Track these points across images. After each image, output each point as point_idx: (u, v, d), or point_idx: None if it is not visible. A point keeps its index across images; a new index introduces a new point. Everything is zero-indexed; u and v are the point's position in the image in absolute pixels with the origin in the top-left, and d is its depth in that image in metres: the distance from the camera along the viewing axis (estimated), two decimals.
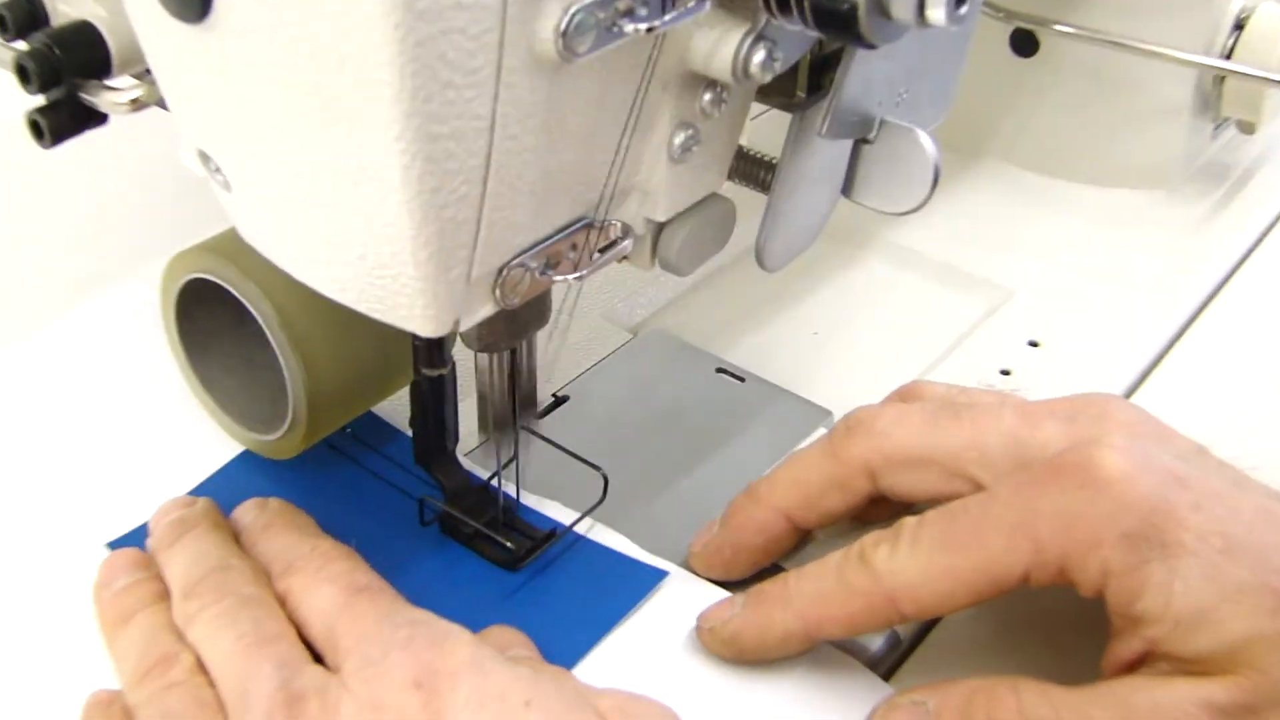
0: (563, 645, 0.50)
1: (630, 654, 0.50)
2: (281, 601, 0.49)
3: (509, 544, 0.53)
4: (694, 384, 0.64)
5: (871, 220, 0.74)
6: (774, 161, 0.52)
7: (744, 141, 0.52)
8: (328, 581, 0.49)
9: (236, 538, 0.53)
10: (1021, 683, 0.45)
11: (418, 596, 0.49)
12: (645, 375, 0.65)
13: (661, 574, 0.53)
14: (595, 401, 0.61)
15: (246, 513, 0.54)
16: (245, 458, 0.58)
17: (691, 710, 0.46)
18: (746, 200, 0.53)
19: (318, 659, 0.48)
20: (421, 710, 0.44)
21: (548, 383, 0.64)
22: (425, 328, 0.43)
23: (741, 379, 0.64)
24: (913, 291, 0.72)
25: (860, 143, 0.51)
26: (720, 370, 0.65)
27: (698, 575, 0.53)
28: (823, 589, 0.48)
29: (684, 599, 0.52)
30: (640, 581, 0.53)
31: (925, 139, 0.50)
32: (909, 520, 0.47)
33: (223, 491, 0.55)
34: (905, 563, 0.46)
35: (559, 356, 0.65)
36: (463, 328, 0.45)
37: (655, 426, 0.62)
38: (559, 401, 0.63)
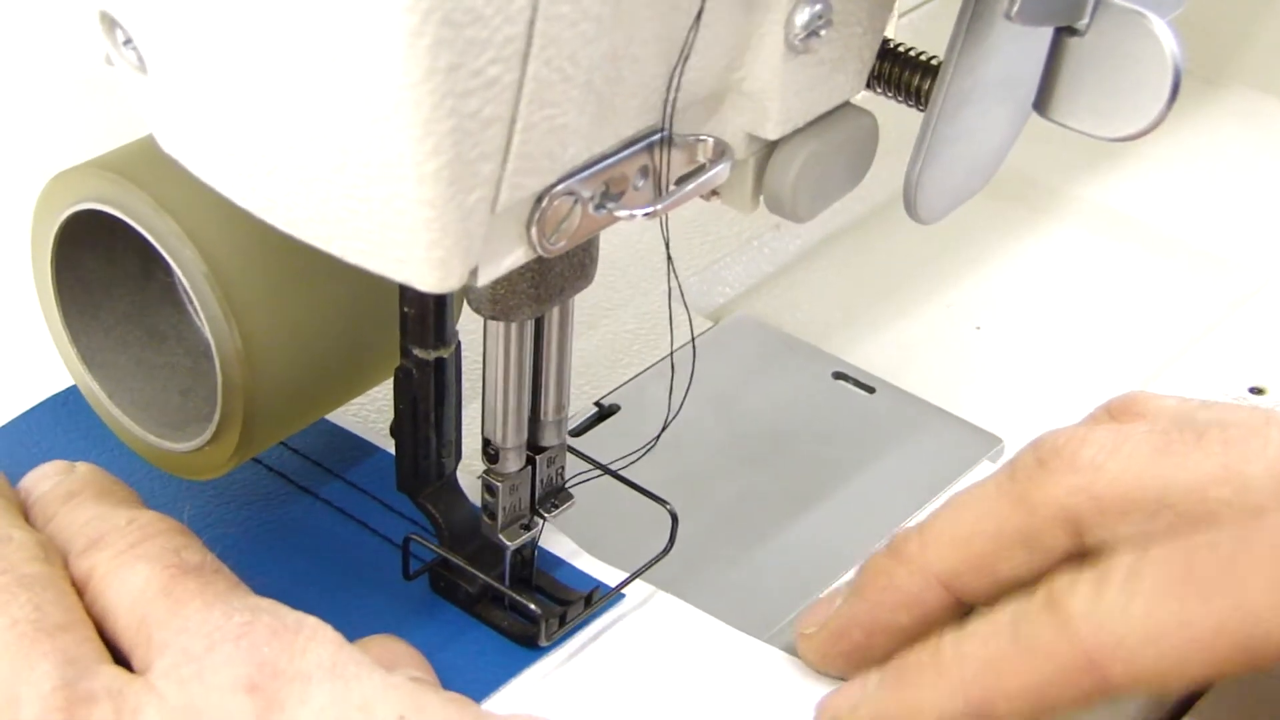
0: None
1: None
2: (81, 586, 0.51)
3: (531, 607, 0.53)
4: (801, 394, 0.64)
5: (1059, 168, 0.74)
6: (935, 62, 0.52)
7: (891, 33, 0.52)
8: (143, 560, 0.50)
9: (25, 512, 0.54)
10: None
11: None
12: (730, 380, 0.65)
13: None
14: (655, 414, 0.61)
15: (44, 479, 0.55)
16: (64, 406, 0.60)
17: None
18: (890, 120, 0.53)
19: (124, 663, 0.49)
20: None
21: (587, 385, 0.64)
22: (428, 277, 0.43)
23: (870, 389, 0.65)
24: (1119, 271, 0.72)
25: (1064, 33, 0.51)
26: (839, 376, 0.65)
27: (811, 666, 0.53)
28: (994, 652, 0.48)
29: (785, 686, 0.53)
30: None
31: (1161, 27, 0.49)
32: (1122, 555, 0.47)
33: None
34: (1116, 612, 0.46)
35: (605, 348, 0.65)
36: (481, 280, 0.44)
37: (744, 452, 0.62)
38: (605, 413, 0.63)
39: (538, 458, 0.55)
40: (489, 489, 0.54)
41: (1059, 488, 0.51)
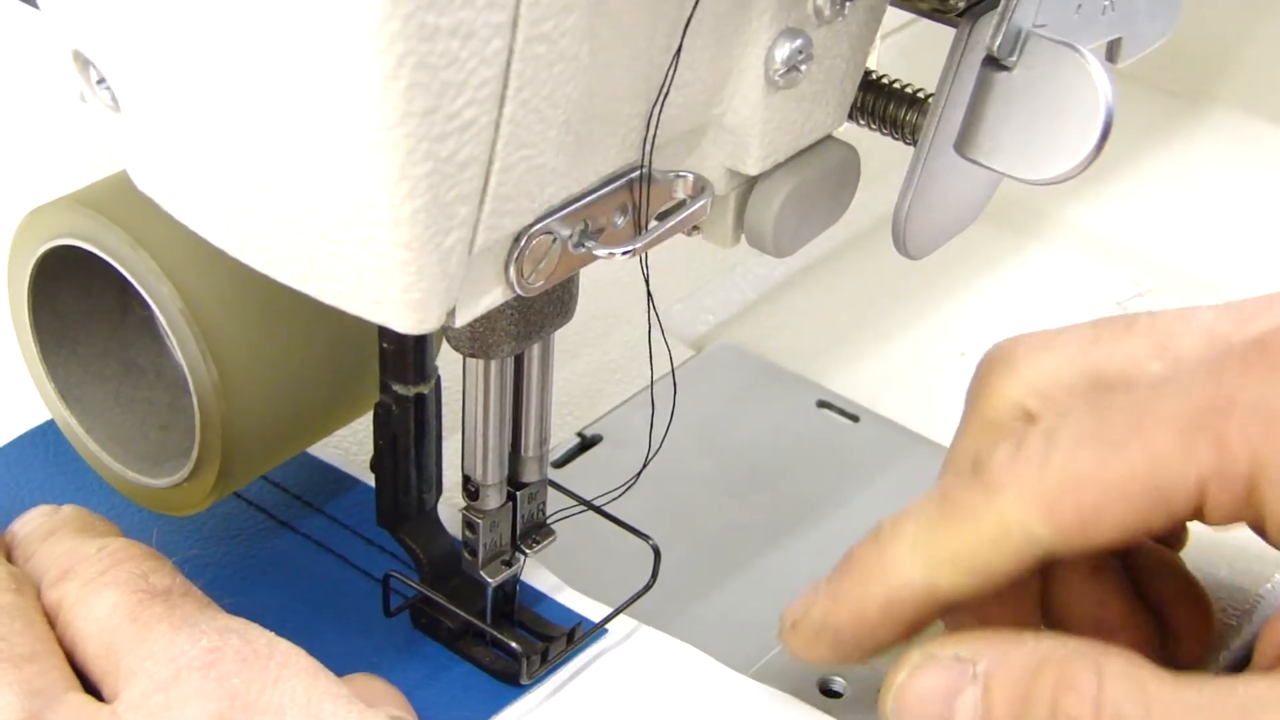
0: None
1: None
2: (52, 616, 0.51)
3: (513, 645, 0.53)
4: (785, 424, 0.64)
5: (1042, 190, 0.73)
6: (919, 94, 0.52)
7: (874, 59, 0.52)
8: (111, 586, 0.50)
9: (9, 554, 0.54)
10: (1109, 660, 0.45)
11: None
12: (713, 410, 0.65)
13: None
14: (638, 445, 0.60)
15: (28, 522, 0.55)
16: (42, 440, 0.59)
17: None
18: (873, 147, 0.53)
19: (95, 692, 0.49)
20: None
21: (569, 415, 0.64)
22: (405, 320, 0.43)
23: (854, 417, 0.65)
24: (1103, 294, 0.72)
25: (989, 67, 0.49)
26: (823, 404, 0.65)
27: (796, 657, 0.52)
28: (925, 524, 0.48)
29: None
30: None
31: (1095, 64, 0.47)
32: (1043, 419, 0.49)
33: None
34: (1034, 467, 0.46)
35: (587, 377, 0.65)
36: (459, 321, 0.44)
37: (728, 484, 0.62)
38: (587, 443, 0.63)
39: (518, 494, 0.55)
40: (469, 525, 0.54)
41: (1007, 388, 0.52)
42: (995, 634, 0.47)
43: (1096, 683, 0.45)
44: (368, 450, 0.55)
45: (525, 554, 0.55)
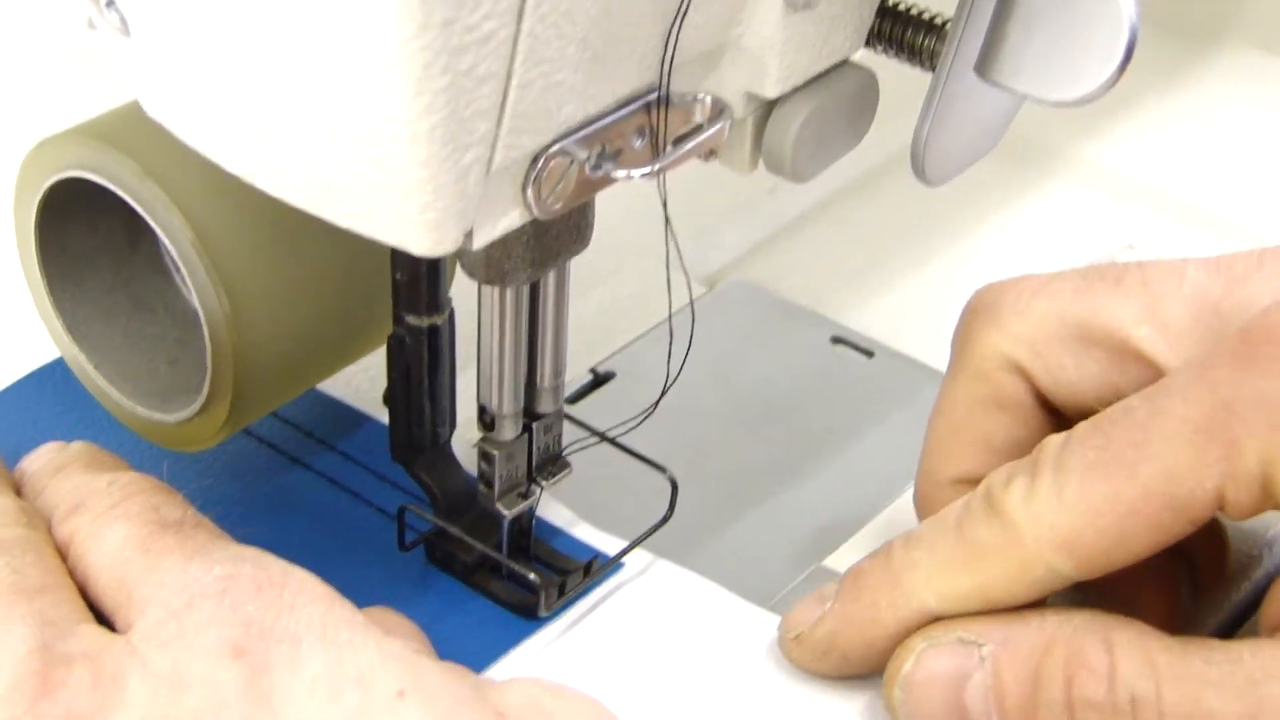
0: None
1: None
2: (64, 550, 0.50)
3: (531, 576, 0.53)
4: (799, 360, 0.64)
5: (1058, 127, 0.74)
6: (935, 20, 0.51)
7: None
8: (121, 519, 0.50)
9: (18, 489, 0.54)
10: (1118, 633, 0.46)
11: None
12: (728, 346, 0.65)
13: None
14: (652, 381, 0.60)
15: (37, 458, 0.55)
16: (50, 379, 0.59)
17: None
18: (888, 80, 0.53)
19: (109, 625, 0.48)
20: (242, 692, 0.44)
21: (582, 352, 0.64)
22: (422, 241, 0.43)
23: (869, 353, 0.65)
24: (1119, 232, 0.72)
25: None
26: (838, 340, 0.65)
27: (797, 666, 0.52)
28: (942, 556, 0.48)
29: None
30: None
31: None
32: (1051, 440, 0.48)
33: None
34: (1049, 501, 0.46)
35: (599, 314, 0.65)
36: (476, 243, 0.44)
37: (743, 419, 0.62)
38: (601, 379, 0.63)
39: (534, 425, 0.54)
40: (485, 457, 0.54)
41: (992, 338, 0.52)
42: (998, 615, 0.48)
43: (1108, 659, 0.45)
44: (379, 387, 0.55)
45: (541, 487, 0.55)
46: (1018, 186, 0.74)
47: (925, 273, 0.70)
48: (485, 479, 0.54)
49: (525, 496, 0.54)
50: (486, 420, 0.53)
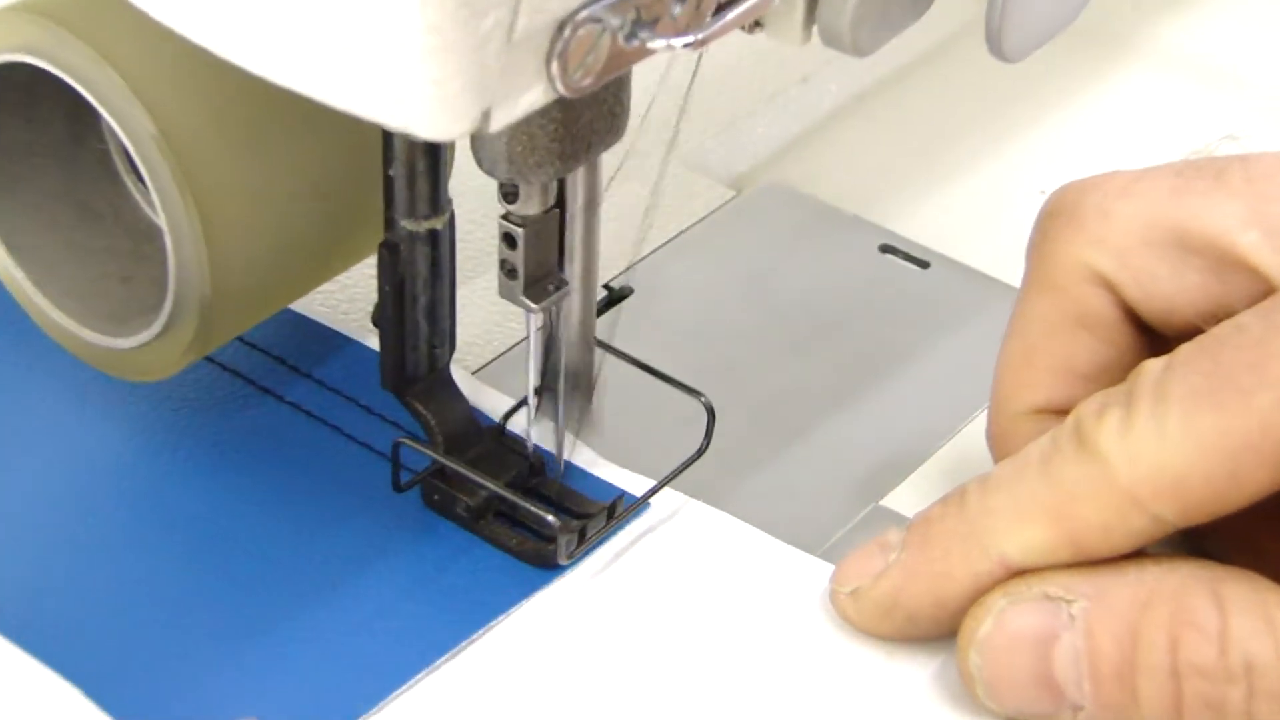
0: None
1: None
2: None
3: (549, 518, 0.51)
4: (845, 271, 0.63)
5: (1128, 6, 0.73)
6: None
7: None
8: None
9: None
10: (1228, 586, 0.45)
11: (379, 617, 0.50)
12: (761, 257, 0.63)
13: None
14: (674, 298, 0.61)
15: None
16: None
17: None
18: None
19: None
20: None
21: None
22: (434, 121, 0.41)
23: (924, 263, 0.63)
24: (1194, 120, 0.70)
25: None
26: (887, 249, 0.64)
27: (854, 626, 0.51)
28: (1024, 502, 0.47)
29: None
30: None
31: None
32: (1150, 365, 0.46)
33: None
34: (1148, 438, 0.45)
35: (609, 223, 0.61)
36: (495, 124, 0.42)
37: (783, 340, 0.60)
38: (615, 296, 0.61)
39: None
40: (508, 240, 0.50)
41: (1072, 247, 0.50)
42: (1090, 567, 0.46)
43: (1219, 617, 0.44)
44: (361, 307, 0.56)
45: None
46: (1084, 72, 0.72)
47: (984, 172, 0.68)
48: (507, 268, 0.51)
49: (559, 286, 0.51)
50: (506, 191, 0.50)
